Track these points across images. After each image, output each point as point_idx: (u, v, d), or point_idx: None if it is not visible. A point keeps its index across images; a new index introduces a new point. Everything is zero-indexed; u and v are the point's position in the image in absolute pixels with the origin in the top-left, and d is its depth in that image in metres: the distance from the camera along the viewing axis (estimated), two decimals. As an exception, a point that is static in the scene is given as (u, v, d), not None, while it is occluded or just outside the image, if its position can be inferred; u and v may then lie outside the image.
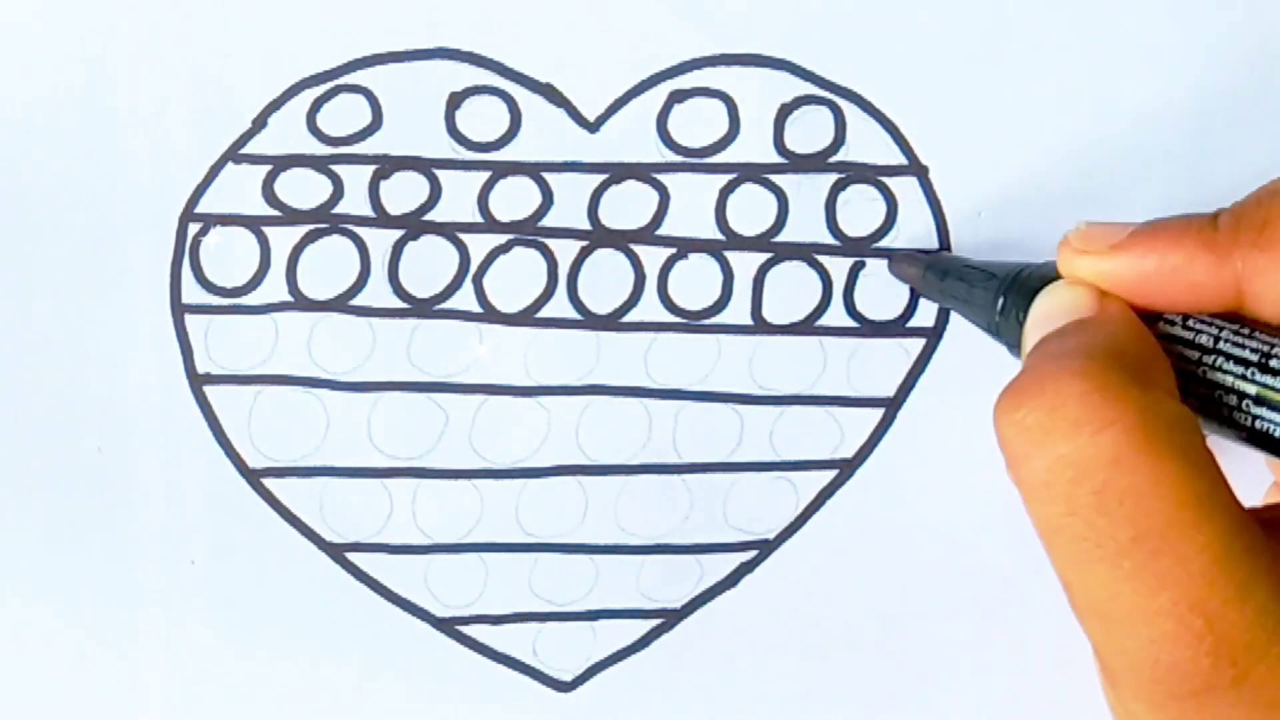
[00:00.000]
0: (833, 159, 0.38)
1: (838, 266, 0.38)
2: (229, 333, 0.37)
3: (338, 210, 0.37)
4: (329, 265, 0.37)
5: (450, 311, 0.37)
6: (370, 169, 0.37)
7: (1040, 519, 0.27)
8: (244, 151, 0.37)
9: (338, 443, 0.37)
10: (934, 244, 0.38)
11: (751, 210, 0.37)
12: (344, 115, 0.37)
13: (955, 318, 0.38)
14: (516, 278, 0.37)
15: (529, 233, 0.37)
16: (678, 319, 0.37)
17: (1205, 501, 0.26)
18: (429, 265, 0.37)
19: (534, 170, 0.37)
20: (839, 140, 0.38)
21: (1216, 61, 0.38)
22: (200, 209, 0.37)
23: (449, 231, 0.37)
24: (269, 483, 0.37)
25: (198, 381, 0.37)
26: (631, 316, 0.37)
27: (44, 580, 0.37)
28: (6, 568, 0.37)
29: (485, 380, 0.37)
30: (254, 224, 0.37)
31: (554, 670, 0.37)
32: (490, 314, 0.37)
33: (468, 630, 0.37)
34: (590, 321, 0.37)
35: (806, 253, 0.37)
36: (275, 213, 0.37)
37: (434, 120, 0.37)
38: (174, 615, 0.37)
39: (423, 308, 0.37)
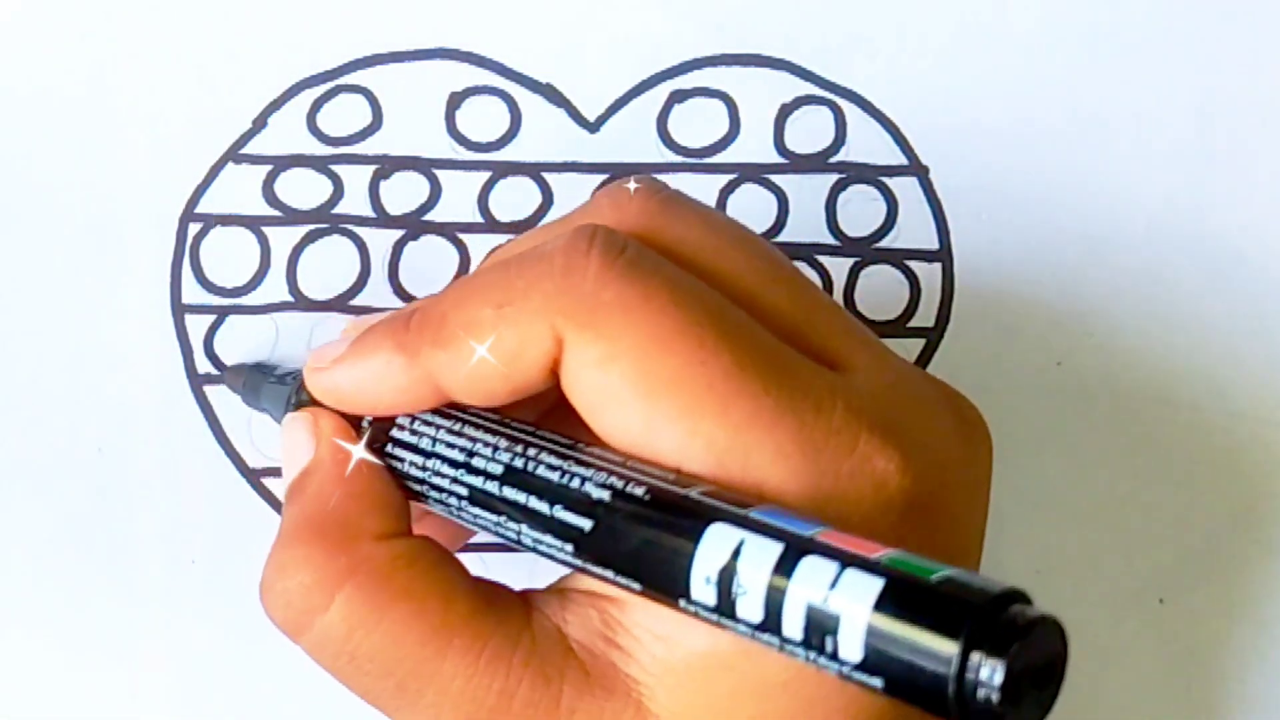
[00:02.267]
0: (833, 159, 0.38)
1: (838, 267, 0.38)
2: (229, 333, 0.37)
3: (338, 210, 0.37)
4: (329, 265, 0.37)
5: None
6: (370, 169, 0.37)
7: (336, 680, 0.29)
8: (244, 151, 0.37)
9: (338, 443, 0.37)
10: (934, 244, 0.37)
11: (751, 210, 0.37)
12: (344, 115, 0.37)
13: (956, 317, 0.37)
14: (517, 278, 0.37)
15: (529, 233, 0.37)
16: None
17: (441, 630, 0.27)
18: (429, 265, 0.37)
19: (534, 170, 0.37)
20: (839, 140, 0.38)
21: (1216, 61, 0.38)
22: (200, 209, 0.37)
23: (449, 232, 0.37)
24: (269, 483, 0.37)
25: (198, 381, 0.37)
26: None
27: (45, 580, 0.37)
28: (7, 568, 0.37)
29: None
30: (254, 224, 0.37)
31: (554, 670, 0.37)
32: (490, 314, 0.37)
33: (467, 630, 0.37)
34: (590, 321, 0.37)
35: (807, 253, 0.37)
36: (275, 213, 0.37)
37: (434, 120, 0.37)
38: (174, 615, 0.37)
39: (423, 308, 0.37)
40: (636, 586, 0.25)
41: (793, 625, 0.23)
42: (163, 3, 0.37)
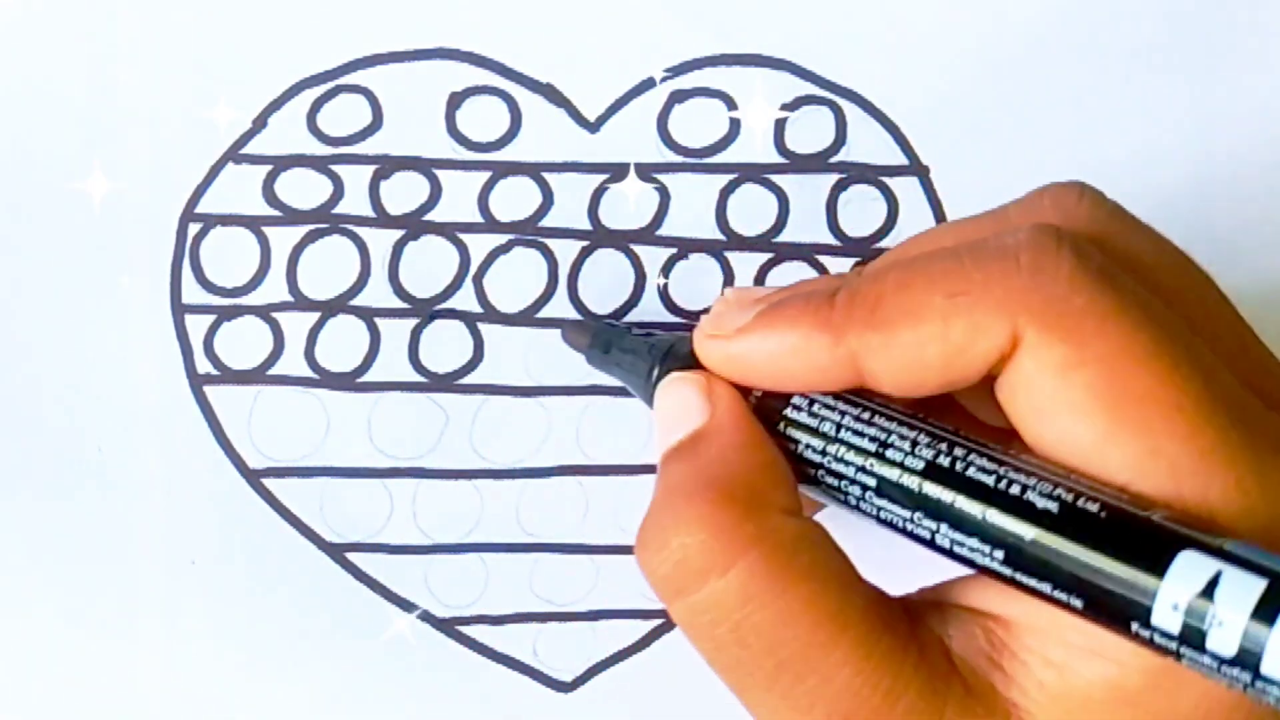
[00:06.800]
0: (833, 159, 0.38)
1: (838, 267, 0.38)
2: (229, 333, 0.37)
3: (338, 210, 0.37)
4: (329, 265, 0.37)
5: (451, 311, 0.37)
6: (370, 169, 0.37)
7: (698, 650, 0.28)
8: (244, 151, 0.37)
9: (338, 443, 0.37)
10: (934, 244, 0.37)
11: (752, 210, 0.37)
12: (344, 115, 0.37)
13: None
14: (517, 278, 0.37)
15: (529, 233, 0.37)
16: (678, 319, 0.37)
17: (837, 617, 0.27)
18: (429, 265, 0.37)
19: (534, 170, 0.37)
20: (840, 140, 0.38)
21: (1216, 61, 0.38)
22: (200, 209, 0.37)
23: (449, 231, 0.37)
24: (269, 483, 0.37)
25: (198, 382, 0.37)
26: (632, 316, 0.37)
27: (44, 580, 0.37)
28: (7, 568, 0.37)
29: (485, 380, 0.37)
30: (254, 224, 0.37)
31: (554, 670, 0.37)
32: (490, 314, 0.37)
33: (468, 630, 0.37)
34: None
35: (807, 253, 0.37)
36: (275, 213, 0.37)
37: (434, 120, 0.37)
38: (174, 615, 0.37)
39: (423, 308, 0.37)
40: (1078, 604, 0.25)
41: (1274, 663, 0.23)
42: (163, 2, 0.37)
